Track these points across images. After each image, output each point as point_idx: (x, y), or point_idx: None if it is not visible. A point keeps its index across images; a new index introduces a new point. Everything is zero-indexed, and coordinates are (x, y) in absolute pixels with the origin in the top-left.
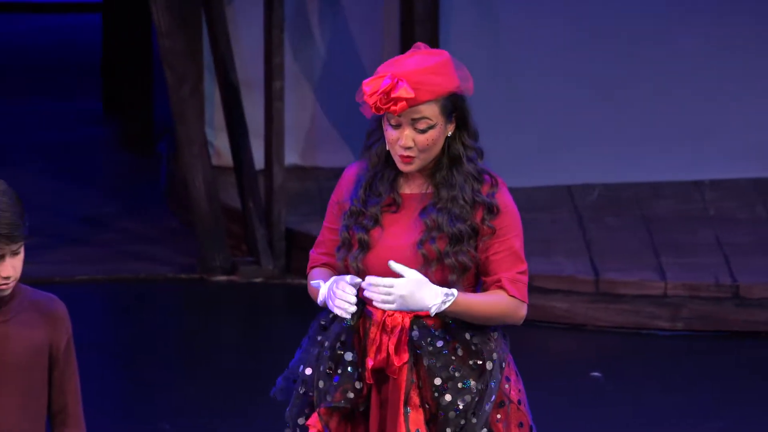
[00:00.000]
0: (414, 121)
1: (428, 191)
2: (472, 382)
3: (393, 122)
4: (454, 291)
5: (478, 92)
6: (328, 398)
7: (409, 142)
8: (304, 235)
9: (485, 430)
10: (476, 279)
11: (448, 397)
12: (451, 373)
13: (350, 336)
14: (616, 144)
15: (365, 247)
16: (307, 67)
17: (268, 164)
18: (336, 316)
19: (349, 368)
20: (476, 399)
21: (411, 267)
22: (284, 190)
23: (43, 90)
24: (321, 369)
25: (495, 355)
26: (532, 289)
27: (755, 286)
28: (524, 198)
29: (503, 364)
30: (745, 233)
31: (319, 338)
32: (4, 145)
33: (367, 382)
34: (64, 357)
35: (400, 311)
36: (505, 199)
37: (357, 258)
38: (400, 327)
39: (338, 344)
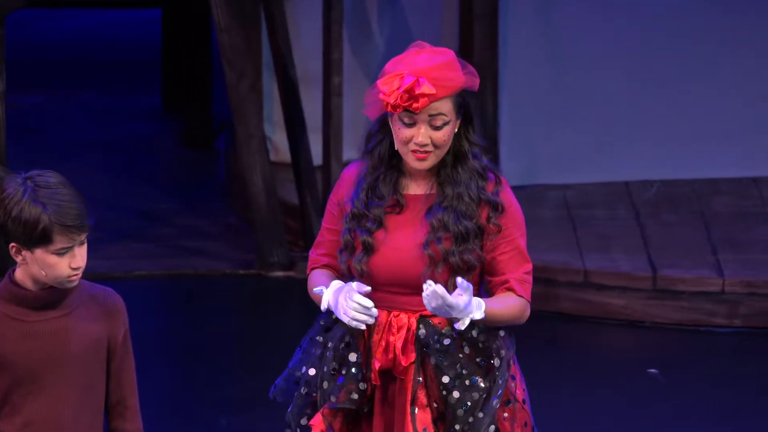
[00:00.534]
0: (431, 118)
1: (432, 191)
2: (480, 380)
3: (407, 121)
4: (483, 305)
5: (535, 88)
6: (333, 399)
7: (426, 139)
8: None
9: (493, 427)
10: (480, 278)
11: (456, 395)
12: (459, 370)
13: (355, 337)
14: (673, 140)
15: (369, 249)
16: (366, 63)
17: (326, 160)
18: (338, 318)
19: (353, 369)
20: (484, 396)
21: (417, 268)
22: None
23: (102, 85)
24: (325, 370)
25: (503, 352)
26: (589, 285)
27: None
28: (581, 194)
29: (510, 361)
30: None
31: (320, 339)
32: (63, 141)
33: (374, 383)
34: (121, 350)
35: (406, 312)
36: (509, 197)
37: (361, 261)
38: (406, 327)
39: (342, 345)
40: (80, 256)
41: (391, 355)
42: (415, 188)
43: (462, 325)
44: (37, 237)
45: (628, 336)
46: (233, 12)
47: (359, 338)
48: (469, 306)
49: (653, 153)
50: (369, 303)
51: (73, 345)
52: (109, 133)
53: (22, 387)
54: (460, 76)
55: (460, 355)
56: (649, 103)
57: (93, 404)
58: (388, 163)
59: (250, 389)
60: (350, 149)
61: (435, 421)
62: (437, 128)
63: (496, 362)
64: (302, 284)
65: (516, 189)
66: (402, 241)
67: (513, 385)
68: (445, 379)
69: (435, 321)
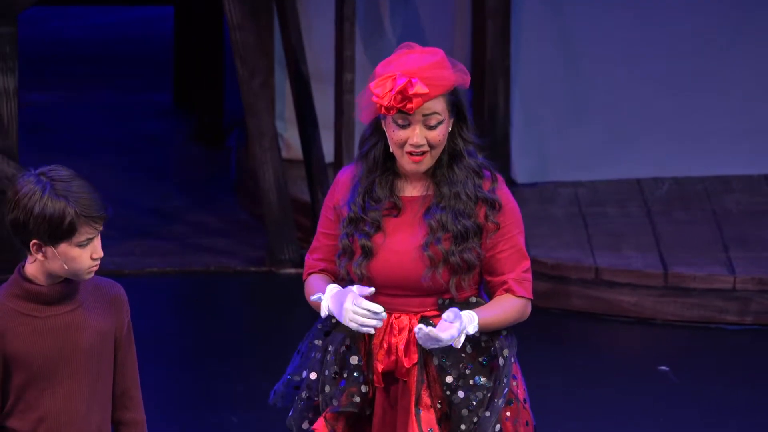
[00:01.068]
0: (425, 118)
1: (428, 193)
2: (484, 379)
3: (401, 122)
4: (475, 319)
5: (547, 86)
6: (335, 402)
7: (421, 139)
8: None
9: (498, 426)
10: (481, 275)
11: (460, 394)
12: (462, 370)
13: (355, 340)
14: (685, 137)
15: (369, 253)
16: (378, 60)
17: (338, 157)
18: (338, 322)
19: (355, 372)
20: (488, 395)
21: (417, 270)
22: None
23: (114, 83)
24: (326, 373)
25: (506, 351)
26: (600, 282)
27: None
28: (593, 192)
29: (512, 360)
30: None
31: (320, 343)
32: (75, 138)
33: (376, 385)
34: (125, 341)
35: (407, 314)
36: (506, 195)
37: (361, 265)
38: (408, 328)
39: (343, 348)
40: (99, 246)
41: (393, 357)
42: (411, 190)
43: (458, 344)
44: (64, 231)
45: (639, 333)
46: (245, 9)
47: (360, 341)
48: (461, 331)
49: (665, 150)
50: (379, 308)
51: (85, 338)
52: (121, 131)
53: (36, 383)
54: (451, 74)
55: (463, 355)
56: (660, 101)
57: (103, 396)
58: (384, 166)
59: (261, 386)
60: None
61: (439, 422)
62: (432, 128)
63: (500, 362)
64: None
65: (527, 186)
66: (401, 243)
67: (514, 384)
68: (449, 379)
69: (436, 322)
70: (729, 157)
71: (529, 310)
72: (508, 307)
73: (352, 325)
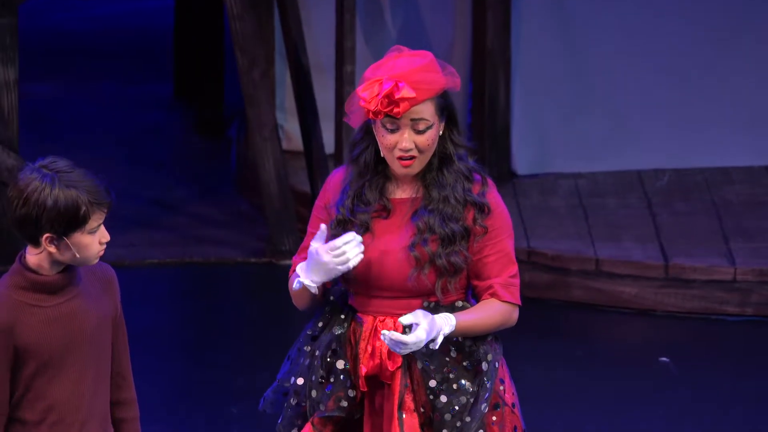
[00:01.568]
0: (413, 122)
1: (418, 195)
2: (467, 383)
3: (390, 126)
4: (452, 319)
5: (548, 77)
6: (322, 407)
7: (410, 144)
8: None
9: (481, 431)
10: (468, 280)
11: (443, 399)
12: (446, 374)
13: (341, 344)
14: (686, 129)
15: None
16: (379, 51)
17: (338, 148)
18: (325, 326)
19: (341, 376)
20: (471, 400)
21: (403, 270)
22: None
23: (115, 74)
24: (313, 379)
25: (489, 356)
26: (601, 273)
27: None
28: (593, 183)
29: (497, 364)
30: None
31: (308, 349)
32: (75, 129)
33: (361, 389)
34: (119, 320)
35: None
36: (495, 199)
37: None
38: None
39: (329, 353)
40: (105, 230)
41: (377, 360)
42: (401, 192)
43: (435, 345)
44: (78, 221)
45: (640, 324)
46: (245, 0)
47: (346, 345)
48: (433, 330)
49: (665, 142)
50: (348, 235)
51: (88, 324)
52: (122, 122)
53: (45, 372)
54: (440, 77)
55: (447, 359)
56: (661, 92)
57: (105, 379)
58: (374, 169)
59: (261, 378)
60: None
61: (422, 426)
62: (420, 132)
63: (484, 366)
64: None
65: (528, 178)
66: (388, 244)
67: (502, 388)
68: (432, 383)
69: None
70: (729, 148)
71: (516, 316)
72: (491, 311)
73: (343, 268)
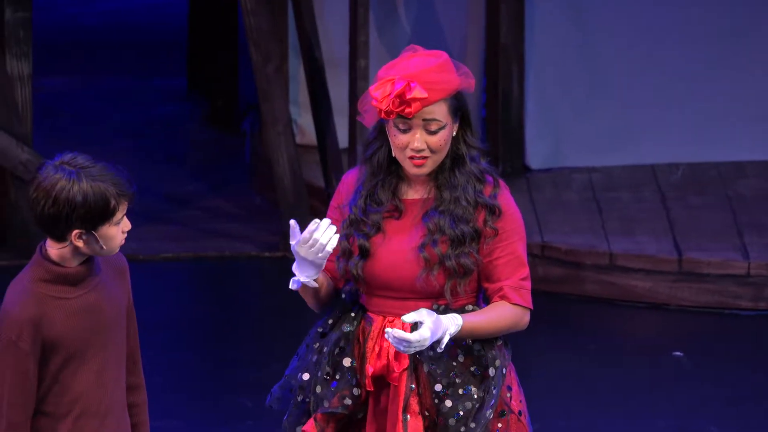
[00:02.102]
0: (425, 123)
1: (430, 195)
2: (473, 389)
3: (402, 126)
4: (459, 319)
5: (561, 71)
6: (325, 404)
7: (422, 144)
8: None
9: None
10: (479, 283)
11: (448, 403)
12: (452, 379)
13: (349, 342)
14: (699, 123)
15: (365, 253)
16: (392, 46)
17: (352, 143)
18: (335, 323)
19: (347, 374)
20: (477, 405)
21: (413, 271)
22: None
23: (129, 67)
24: (319, 375)
25: (497, 362)
26: (614, 268)
27: None
28: (607, 177)
29: (504, 371)
30: None
31: (316, 345)
32: (89, 123)
33: (367, 389)
34: (131, 307)
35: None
36: (507, 201)
37: (357, 265)
38: None
39: (337, 350)
40: (127, 219)
41: (384, 361)
42: (413, 193)
43: (441, 346)
44: (108, 213)
45: (654, 319)
46: None
47: (354, 343)
48: (438, 329)
49: (679, 136)
50: (314, 222)
51: (108, 313)
52: (135, 116)
53: (70, 365)
54: (454, 78)
55: (454, 363)
56: (675, 86)
57: (123, 368)
58: (387, 169)
59: (275, 371)
60: None
61: (426, 430)
62: (433, 133)
63: (491, 372)
64: None
65: (542, 172)
66: (398, 244)
67: (508, 395)
68: (438, 387)
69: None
70: (743, 143)
71: (527, 319)
72: (500, 313)
73: (323, 255)
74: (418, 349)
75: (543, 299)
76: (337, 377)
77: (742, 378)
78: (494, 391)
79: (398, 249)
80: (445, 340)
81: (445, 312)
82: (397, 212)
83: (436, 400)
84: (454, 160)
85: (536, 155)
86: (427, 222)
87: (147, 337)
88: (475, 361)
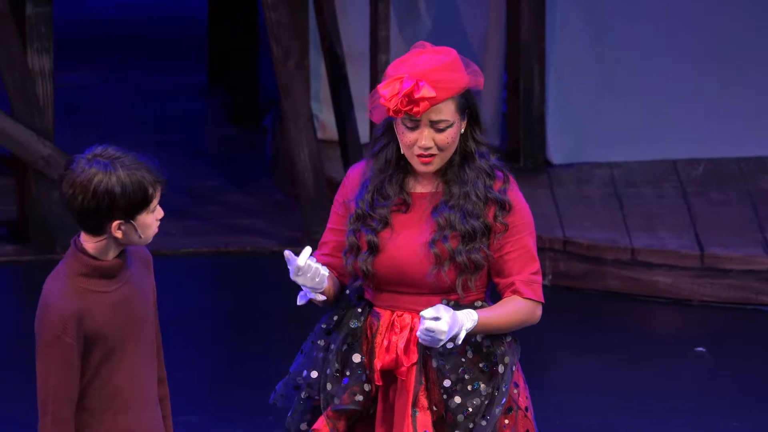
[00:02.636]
0: (433, 121)
1: (438, 190)
2: (482, 385)
3: (410, 124)
4: (474, 315)
5: (582, 67)
6: (336, 401)
7: (429, 142)
8: None
9: None
10: (489, 278)
11: (457, 400)
12: (461, 375)
13: (357, 338)
14: (721, 118)
15: (374, 249)
16: (413, 40)
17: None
18: (340, 320)
19: (357, 370)
20: (486, 402)
21: (423, 267)
22: None
23: (149, 62)
24: (328, 372)
25: (507, 359)
26: (636, 263)
27: None
28: (628, 172)
29: (513, 368)
30: None
31: (322, 342)
32: (110, 118)
33: (376, 383)
34: (155, 299)
35: (410, 313)
36: (516, 196)
37: (366, 260)
38: (409, 327)
39: (345, 346)
40: (160, 207)
41: (393, 355)
42: (421, 187)
43: (458, 341)
44: (146, 201)
45: (675, 314)
46: None
47: (362, 339)
48: (455, 325)
49: (700, 131)
50: (293, 274)
51: (141, 306)
52: (156, 111)
53: (110, 358)
54: (463, 76)
55: (463, 360)
56: (696, 81)
57: (154, 361)
58: (396, 165)
59: None
60: None
61: (435, 425)
62: (440, 131)
63: (500, 369)
64: None
65: (563, 167)
66: (408, 239)
67: (516, 392)
68: (447, 383)
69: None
70: (765, 138)
71: (539, 313)
72: (513, 308)
73: (318, 281)
74: (432, 343)
75: (564, 294)
76: (347, 374)
77: (765, 373)
78: (504, 389)
79: (408, 244)
80: (462, 335)
81: (456, 308)
82: (405, 206)
83: (445, 396)
84: (462, 156)
85: (557, 151)
86: (437, 217)
87: (169, 332)
88: (484, 358)
